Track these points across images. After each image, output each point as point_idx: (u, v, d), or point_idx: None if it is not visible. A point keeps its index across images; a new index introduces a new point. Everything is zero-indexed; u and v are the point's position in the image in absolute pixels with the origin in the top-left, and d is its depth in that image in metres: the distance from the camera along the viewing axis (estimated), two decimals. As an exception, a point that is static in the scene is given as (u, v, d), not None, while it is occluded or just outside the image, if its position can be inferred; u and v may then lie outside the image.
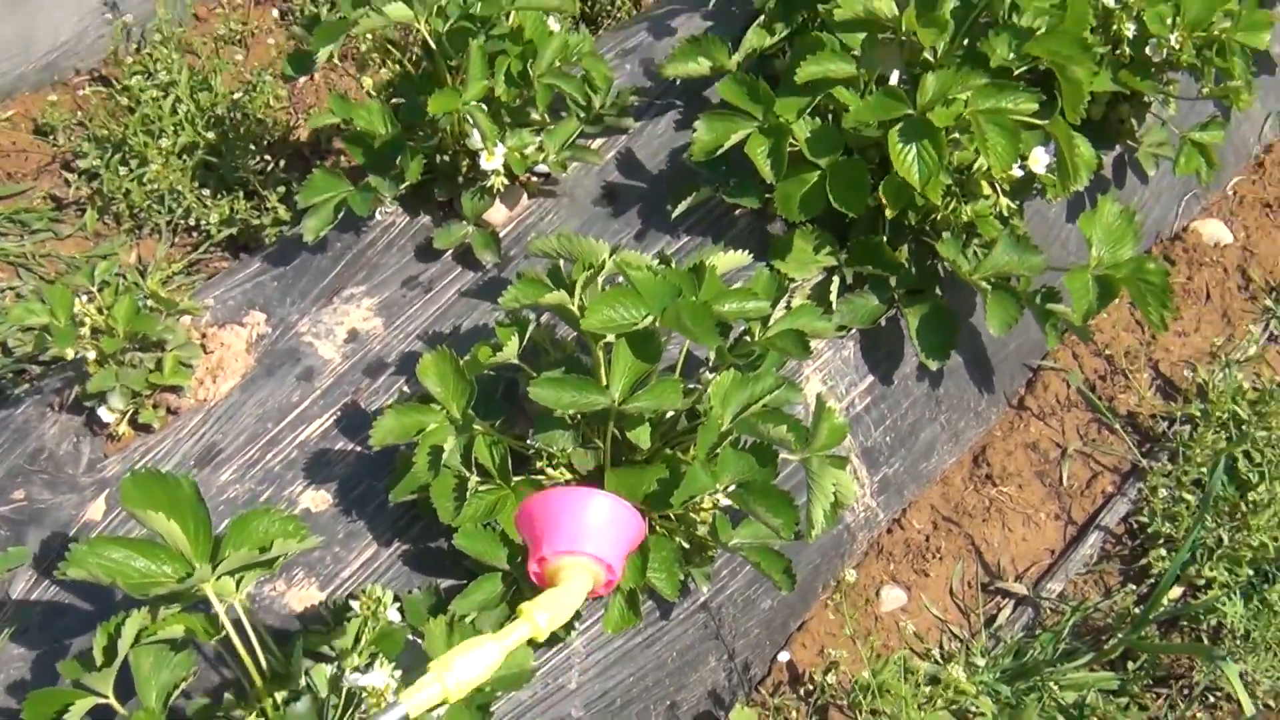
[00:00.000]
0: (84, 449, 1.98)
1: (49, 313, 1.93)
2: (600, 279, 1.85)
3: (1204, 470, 2.48)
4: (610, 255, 1.86)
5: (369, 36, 2.37)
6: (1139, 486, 2.52)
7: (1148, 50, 2.44)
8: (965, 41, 2.23)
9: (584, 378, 1.71)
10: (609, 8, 3.34)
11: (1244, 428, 2.55)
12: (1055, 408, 2.62)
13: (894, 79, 2.26)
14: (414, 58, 2.41)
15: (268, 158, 2.88)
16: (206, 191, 2.80)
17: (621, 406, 1.69)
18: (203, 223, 2.79)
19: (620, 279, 1.80)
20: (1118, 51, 2.46)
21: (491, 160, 2.16)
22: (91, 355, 1.94)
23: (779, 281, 1.96)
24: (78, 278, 2.02)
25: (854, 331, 2.30)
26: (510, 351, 1.80)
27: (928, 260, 2.29)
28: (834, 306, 2.24)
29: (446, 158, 2.28)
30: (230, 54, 3.14)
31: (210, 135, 2.86)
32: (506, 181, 2.21)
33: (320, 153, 3.03)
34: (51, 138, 2.99)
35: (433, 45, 2.20)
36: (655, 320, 1.70)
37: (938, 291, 2.29)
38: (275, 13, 3.36)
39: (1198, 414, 2.60)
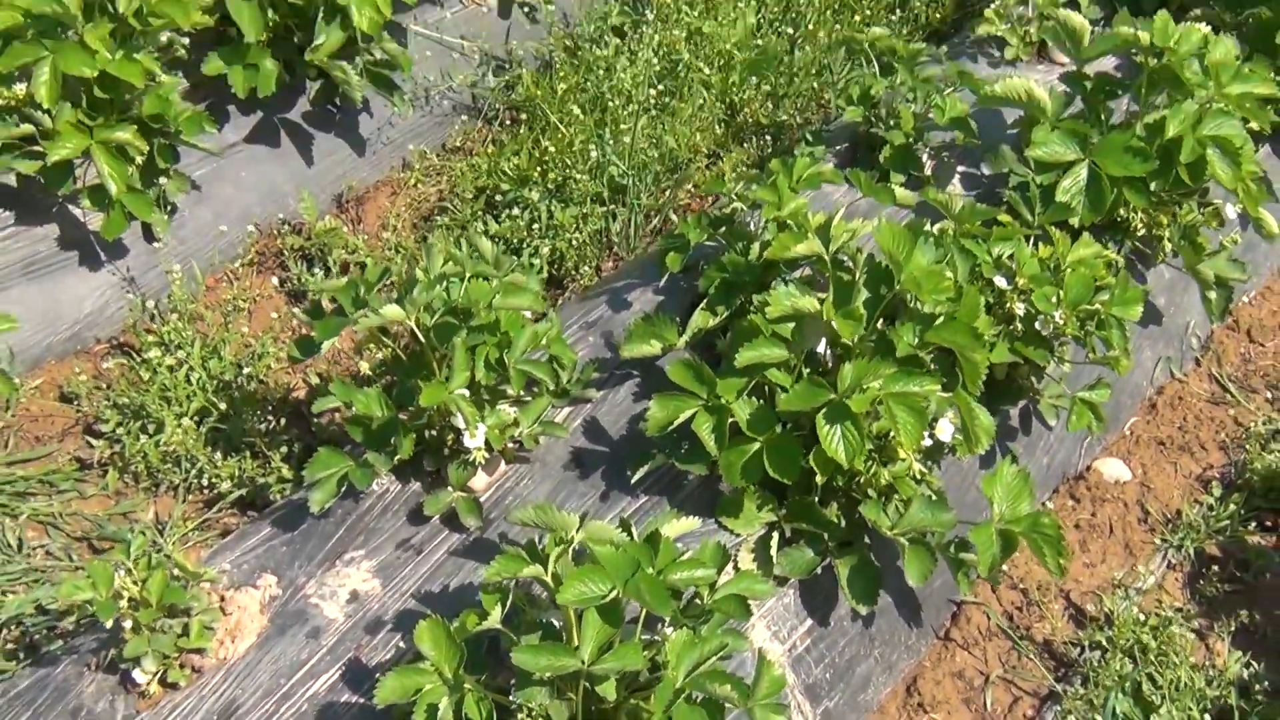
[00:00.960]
0: (119, 706, 2.25)
1: (91, 587, 2.23)
2: (570, 550, 2.17)
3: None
4: (579, 528, 2.19)
5: (367, 328, 2.73)
6: (1056, 709, 2.81)
7: (1037, 325, 2.84)
8: (880, 323, 2.61)
9: (557, 644, 2.01)
10: (573, 273, 3.75)
11: (1147, 653, 2.86)
12: (979, 638, 2.93)
13: (821, 346, 2.63)
14: (404, 343, 2.77)
15: (271, 418, 3.21)
16: (218, 455, 3.11)
17: (591, 668, 1.98)
18: (214, 481, 3.09)
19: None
20: (1012, 326, 2.86)
21: (474, 439, 2.50)
22: (128, 624, 2.23)
23: (723, 549, 2.28)
24: (116, 553, 2.31)
25: (794, 580, 2.62)
26: (494, 619, 2.10)
27: (855, 515, 2.61)
28: (775, 559, 2.56)
29: (434, 433, 2.62)
30: (236, 324, 3.50)
31: (221, 404, 3.19)
32: (487, 455, 2.55)
33: (317, 409, 3.36)
34: (76, 403, 3.31)
35: (421, 337, 2.56)
36: (619, 592, 2.02)
37: (866, 541, 2.62)
38: (275, 280, 3.75)
39: (1105, 641, 2.91)
